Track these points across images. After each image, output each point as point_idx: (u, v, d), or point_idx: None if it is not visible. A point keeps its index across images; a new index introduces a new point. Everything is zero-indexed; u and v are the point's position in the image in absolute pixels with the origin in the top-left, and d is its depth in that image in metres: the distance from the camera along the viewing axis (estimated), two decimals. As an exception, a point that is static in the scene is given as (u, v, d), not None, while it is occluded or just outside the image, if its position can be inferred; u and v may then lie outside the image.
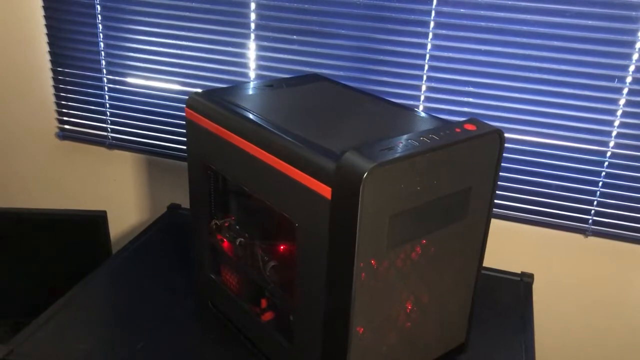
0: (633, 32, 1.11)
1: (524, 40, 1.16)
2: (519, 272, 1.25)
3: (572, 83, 1.17)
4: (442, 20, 1.20)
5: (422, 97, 1.27)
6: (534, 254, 1.32)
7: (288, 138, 0.78)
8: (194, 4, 1.35)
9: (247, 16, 1.33)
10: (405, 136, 0.74)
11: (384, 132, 0.82)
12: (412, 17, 1.21)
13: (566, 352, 1.38)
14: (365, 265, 0.72)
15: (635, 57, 1.12)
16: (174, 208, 1.42)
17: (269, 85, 1.01)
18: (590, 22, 1.12)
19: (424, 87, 1.26)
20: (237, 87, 0.99)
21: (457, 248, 0.85)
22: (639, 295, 1.28)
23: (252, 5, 1.32)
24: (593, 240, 1.27)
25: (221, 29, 1.35)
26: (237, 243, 0.98)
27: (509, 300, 1.17)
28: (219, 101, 0.92)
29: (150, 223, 1.35)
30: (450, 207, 0.80)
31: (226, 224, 1.02)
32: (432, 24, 1.21)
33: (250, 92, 0.97)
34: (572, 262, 1.30)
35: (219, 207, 1.01)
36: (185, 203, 1.44)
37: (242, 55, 1.36)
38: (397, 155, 0.69)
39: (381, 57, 1.26)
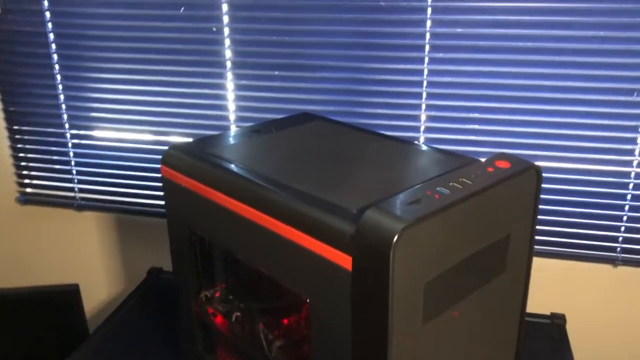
0: (649, 41, 1.01)
1: (530, 57, 1.06)
2: (547, 312, 1.12)
3: (586, 100, 1.07)
4: (438, 42, 1.09)
5: (423, 128, 1.15)
6: (561, 290, 1.19)
7: (290, 195, 0.65)
8: (161, 46, 1.22)
9: (221, 54, 1.20)
10: (431, 182, 0.62)
11: (402, 178, 0.69)
12: (405, 42, 1.10)
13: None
14: (399, 345, 0.58)
15: (653, 67, 1.02)
16: (154, 272, 1.26)
17: (256, 130, 0.88)
18: (601, 33, 1.02)
19: (423, 117, 1.14)
20: (219, 137, 0.86)
21: (497, 305, 0.72)
22: (679, 325, 1.17)
23: (226, 42, 1.19)
24: (623, 269, 1.15)
25: (193, 70, 1.23)
26: (234, 318, 0.83)
27: (542, 348, 1.04)
28: (200, 155, 0.79)
29: (130, 292, 1.20)
30: (489, 261, 0.67)
31: (217, 294, 0.88)
32: (427, 48, 1.10)
33: (236, 140, 0.84)
34: (603, 295, 1.18)
35: (208, 274, 0.87)
36: (167, 265, 1.29)
37: (220, 97, 1.24)
38: (429, 209, 0.56)
39: (374, 88, 1.14)
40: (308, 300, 0.64)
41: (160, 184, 1.33)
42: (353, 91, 1.16)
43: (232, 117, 1.24)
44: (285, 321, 0.79)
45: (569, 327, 1.14)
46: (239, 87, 1.22)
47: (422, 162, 0.75)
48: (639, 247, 1.13)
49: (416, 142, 0.83)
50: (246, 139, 0.84)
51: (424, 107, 1.14)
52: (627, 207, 1.11)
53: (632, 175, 1.09)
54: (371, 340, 0.57)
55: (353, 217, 0.58)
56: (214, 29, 1.19)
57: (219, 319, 0.86)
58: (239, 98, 1.23)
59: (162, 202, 1.34)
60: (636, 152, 1.08)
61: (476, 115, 1.12)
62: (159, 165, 1.31)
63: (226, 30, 1.19)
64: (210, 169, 0.75)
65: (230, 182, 0.72)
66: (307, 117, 0.95)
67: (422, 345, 0.61)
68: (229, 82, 1.22)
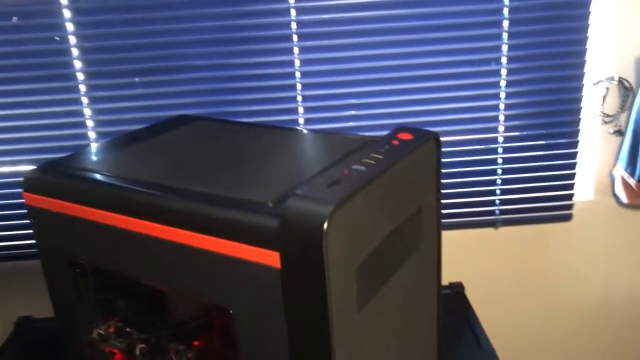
0: (498, 11, 1.08)
1: (396, 37, 1.08)
2: (445, 283, 1.15)
3: (451, 74, 1.11)
4: (305, 31, 1.07)
5: (302, 120, 1.12)
6: (453, 260, 1.23)
7: (192, 199, 0.57)
8: (-6, 62, 1.06)
9: (69, 65, 1.07)
10: (345, 162, 0.58)
11: (307, 164, 0.65)
12: (272, 33, 1.07)
13: (520, 346, 1.32)
14: (340, 337, 0.54)
15: (505, 36, 1.09)
16: (23, 323, 1.10)
17: (131, 138, 0.79)
18: (456, 8, 1.07)
19: (301, 109, 1.12)
20: (85, 152, 0.75)
21: (418, 280, 0.70)
22: (560, 269, 1.26)
23: (74, 51, 1.07)
24: (504, 230, 1.22)
25: (39, 87, 1.08)
26: (138, 352, 0.73)
27: (449, 318, 1.06)
28: (68, 172, 0.68)
29: (-4, 351, 1.02)
30: (406, 236, 0.65)
31: (112, 330, 0.77)
32: (295, 37, 1.07)
33: (108, 152, 0.74)
34: (491, 256, 1.24)
35: (98, 309, 0.76)
36: (37, 312, 1.13)
37: (75, 113, 1.10)
38: (353, 188, 0.52)
39: (247, 85, 1.09)
40: (231, 312, 0.57)
41: (17, 222, 1.16)
42: (225, 90, 1.10)
43: (92, 134, 1.12)
44: (197, 343, 0.71)
45: (468, 294, 1.18)
46: (95, 100, 1.10)
47: (320, 146, 0.72)
48: (514, 206, 1.20)
49: (309, 130, 0.79)
50: (120, 149, 0.75)
51: (299, 98, 1.11)
52: (499, 171, 1.18)
53: (500, 140, 1.16)
54: (311, 338, 0.53)
55: (271, 211, 0.53)
56: (57, 39, 1.06)
57: (118, 357, 0.75)
58: (98, 112, 1.11)
59: (21, 242, 1.17)
60: (500, 118, 1.15)
61: (353, 101, 1.11)
62: (14, 201, 1.14)
63: (72, 39, 1.06)
64: (86, 185, 0.65)
65: (114, 195, 0.63)
66: (184, 119, 0.87)
67: (358, 332, 0.58)
68: (84, 96, 1.09)
